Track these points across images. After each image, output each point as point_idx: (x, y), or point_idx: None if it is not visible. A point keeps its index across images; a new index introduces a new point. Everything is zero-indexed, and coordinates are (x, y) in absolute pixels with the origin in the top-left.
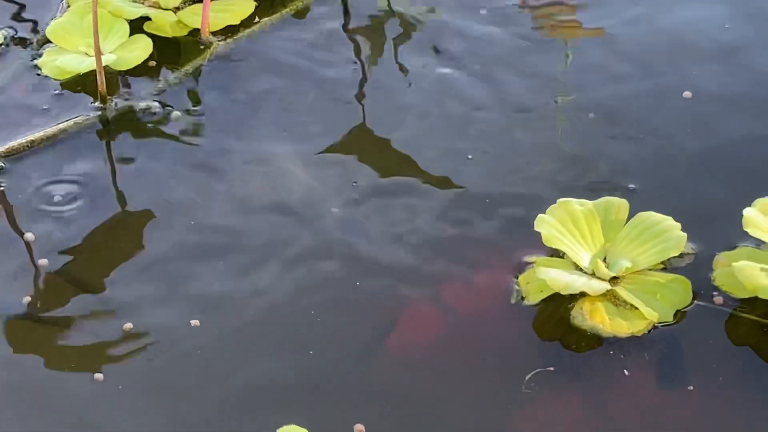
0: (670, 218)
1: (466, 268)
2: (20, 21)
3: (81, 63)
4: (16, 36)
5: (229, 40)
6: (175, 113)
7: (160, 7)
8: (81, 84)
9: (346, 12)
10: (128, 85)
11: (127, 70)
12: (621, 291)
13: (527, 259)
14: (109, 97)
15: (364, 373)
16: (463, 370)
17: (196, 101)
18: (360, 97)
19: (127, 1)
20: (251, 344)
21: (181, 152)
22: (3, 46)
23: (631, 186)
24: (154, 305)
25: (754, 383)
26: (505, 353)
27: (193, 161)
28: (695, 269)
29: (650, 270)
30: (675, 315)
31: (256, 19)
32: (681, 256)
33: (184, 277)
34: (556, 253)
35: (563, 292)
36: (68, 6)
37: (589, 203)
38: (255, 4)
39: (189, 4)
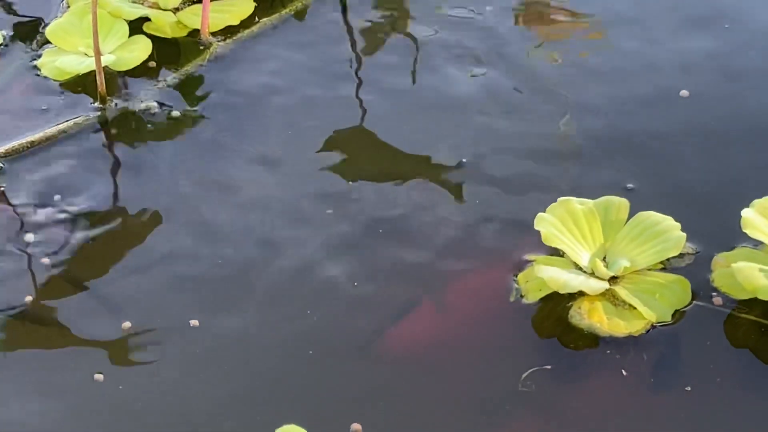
0: (670, 218)
1: (466, 267)
2: (20, 22)
3: (80, 64)
4: (15, 37)
5: (228, 41)
6: (175, 113)
7: (160, 8)
8: (81, 84)
9: (346, 12)
10: (128, 86)
11: (127, 71)
12: (620, 290)
13: (527, 257)
14: (108, 97)
15: (363, 372)
16: (460, 369)
17: (196, 102)
18: (360, 96)
19: (126, 1)
20: (250, 344)
21: (181, 152)
22: (2, 47)
23: (630, 186)
24: (154, 305)
25: (752, 384)
26: (502, 352)
27: (192, 161)
28: (695, 269)
29: (650, 270)
30: (673, 315)
31: (256, 19)
32: (681, 256)
33: (184, 277)
34: (557, 252)
35: (561, 291)
36: (68, 7)
37: (590, 202)
38: (254, 4)
39: (188, 5)
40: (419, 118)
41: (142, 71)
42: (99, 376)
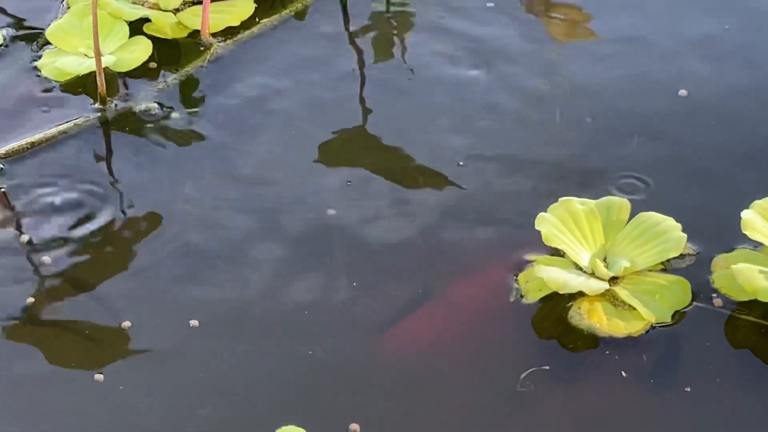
0: (671, 219)
1: (465, 266)
2: (20, 22)
3: (81, 64)
4: (15, 37)
5: (228, 42)
6: (175, 114)
7: (160, 9)
8: (81, 85)
9: (346, 12)
10: (128, 87)
11: (127, 72)
12: (620, 291)
13: (528, 257)
14: (108, 98)
15: (363, 373)
16: (459, 369)
17: (196, 102)
18: (361, 97)
19: (126, 2)
20: (250, 345)
21: (181, 153)
22: (3, 47)
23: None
24: (154, 306)
25: (752, 385)
26: (502, 352)
27: (192, 162)
28: (696, 270)
29: (650, 270)
30: (673, 316)
31: (256, 20)
32: (682, 257)
33: (184, 278)
34: (558, 253)
35: (561, 291)
36: (68, 7)
37: (591, 202)
38: (255, 5)
39: (189, 6)
40: (420, 118)
41: (142, 72)
42: (99, 377)
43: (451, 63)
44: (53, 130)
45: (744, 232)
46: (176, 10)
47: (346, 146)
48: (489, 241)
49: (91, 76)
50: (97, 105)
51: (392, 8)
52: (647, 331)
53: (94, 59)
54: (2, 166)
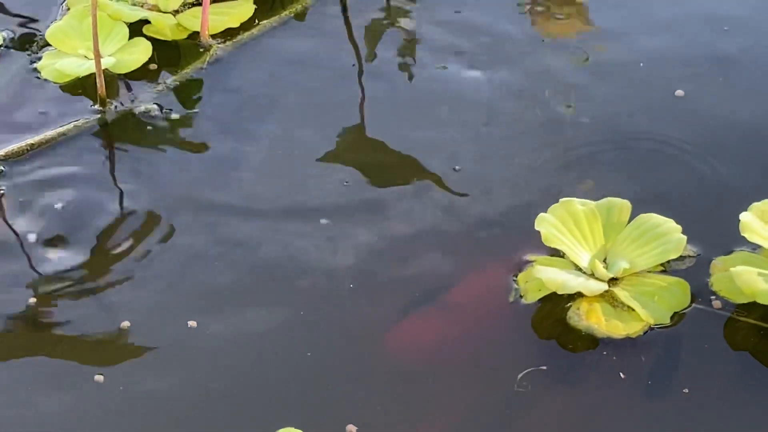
0: (672, 221)
1: (465, 266)
2: (19, 24)
3: (80, 66)
4: (15, 39)
5: (228, 43)
6: (175, 116)
7: (160, 11)
8: (80, 87)
9: (345, 13)
10: (128, 88)
11: (127, 73)
12: (619, 292)
13: (527, 258)
14: (108, 100)
15: (361, 374)
16: (458, 369)
17: (196, 104)
18: (360, 97)
19: (126, 4)
20: (247, 346)
21: (181, 155)
22: (2, 49)
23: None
24: (153, 306)
25: (750, 386)
26: (500, 352)
27: (192, 163)
28: (695, 272)
29: (650, 272)
30: (672, 318)
31: (256, 21)
32: (682, 258)
33: (182, 278)
34: (558, 253)
35: (559, 292)
36: (68, 9)
37: (592, 203)
38: (254, 6)
39: (188, 7)
40: (420, 118)
41: (141, 74)
42: (99, 377)
43: (453, 62)
44: (53, 132)
45: (742, 234)
46: (176, 12)
47: (345, 147)
48: (488, 241)
49: (91, 77)
50: (96, 107)
51: (392, 8)
52: (645, 333)
53: (93, 61)
54: (2, 168)
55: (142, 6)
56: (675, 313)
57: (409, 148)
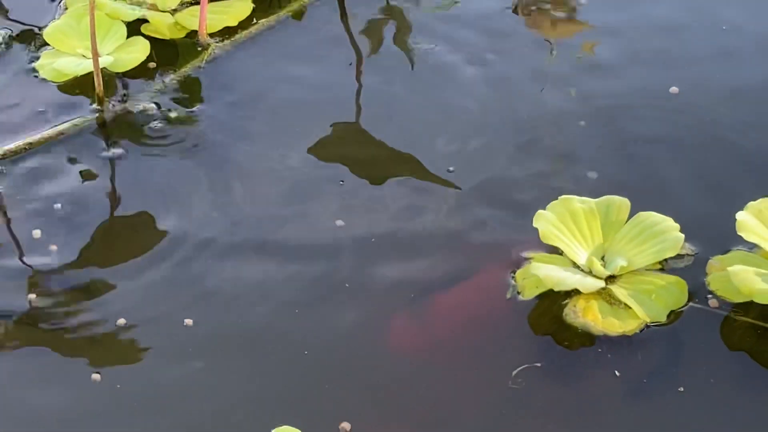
0: (670, 219)
1: (463, 264)
2: (18, 24)
3: (78, 65)
4: (13, 38)
5: (226, 42)
6: (173, 115)
7: (158, 9)
8: (78, 86)
9: (343, 13)
10: (126, 87)
11: (125, 72)
12: (616, 290)
13: (525, 254)
14: (106, 99)
15: (359, 372)
16: (454, 366)
17: (194, 103)
18: (358, 96)
19: (124, 3)
20: (245, 345)
21: (179, 154)
22: (1, 48)
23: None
24: (150, 305)
25: (747, 386)
26: (497, 349)
27: (190, 162)
28: (694, 271)
29: (648, 270)
30: (668, 316)
31: (254, 20)
32: (680, 257)
33: (179, 277)
34: (557, 251)
35: (556, 289)
36: (66, 9)
37: (591, 201)
38: (252, 5)
39: (186, 6)
40: (419, 118)
41: (140, 73)
42: (96, 376)
43: (451, 61)
44: (51, 131)
45: (739, 233)
46: (174, 11)
47: (342, 146)
48: (486, 238)
49: (89, 76)
50: (95, 106)
51: (391, 8)
52: (642, 331)
53: (91, 60)
54: (1, 167)
55: (140, 5)
56: (672, 311)
57: (407, 145)
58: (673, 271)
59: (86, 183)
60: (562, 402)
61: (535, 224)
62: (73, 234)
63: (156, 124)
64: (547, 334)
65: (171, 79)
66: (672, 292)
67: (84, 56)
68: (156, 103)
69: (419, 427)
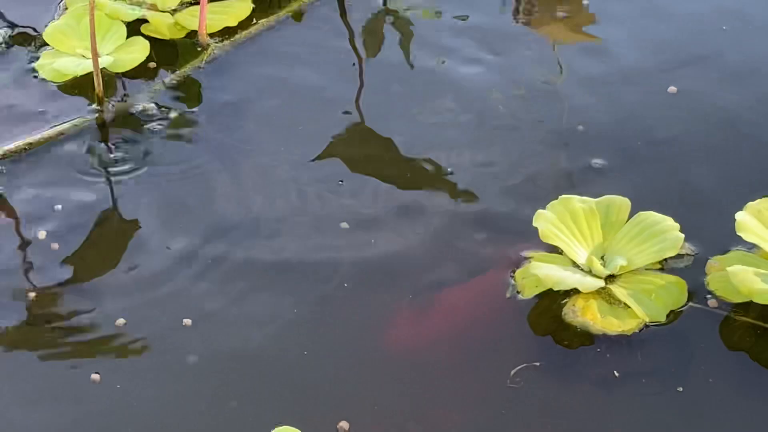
0: (670, 219)
1: (463, 264)
2: (18, 24)
3: (78, 65)
4: (13, 39)
5: (226, 42)
6: (173, 115)
7: (158, 10)
8: (78, 86)
9: (343, 13)
10: (126, 88)
11: (125, 73)
12: (616, 289)
13: (525, 254)
14: (106, 99)
15: (358, 371)
16: (453, 365)
17: (194, 103)
18: (358, 97)
19: (124, 3)
20: (244, 345)
21: (179, 154)
22: (1, 48)
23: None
24: (150, 306)
25: (745, 385)
26: (496, 348)
27: (190, 163)
28: (694, 271)
29: (647, 269)
30: (668, 316)
31: (254, 20)
32: (680, 257)
33: (178, 277)
34: (557, 250)
35: (555, 288)
36: (65, 9)
37: (592, 201)
38: (252, 6)
39: (186, 7)
40: (419, 118)
41: (139, 73)
42: (96, 377)
43: (451, 61)
44: (51, 131)
45: (738, 233)
46: (173, 11)
47: (342, 145)
48: (486, 238)
49: (89, 77)
50: (94, 106)
51: (389, 7)
52: (641, 330)
53: (91, 60)
54: (1, 168)
55: (140, 5)
56: (671, 311)
57: (407, 146)
58: (673, 271)
59: (86, 183)
60: (560, 401)
61: (534, 224)
62: (73, 234)
63: (156, 125)
64: (546, 333)
65: (171, 79)
66: (671, 291)
67: (84, 56)
68: (156, 104)
69: (418, 427)
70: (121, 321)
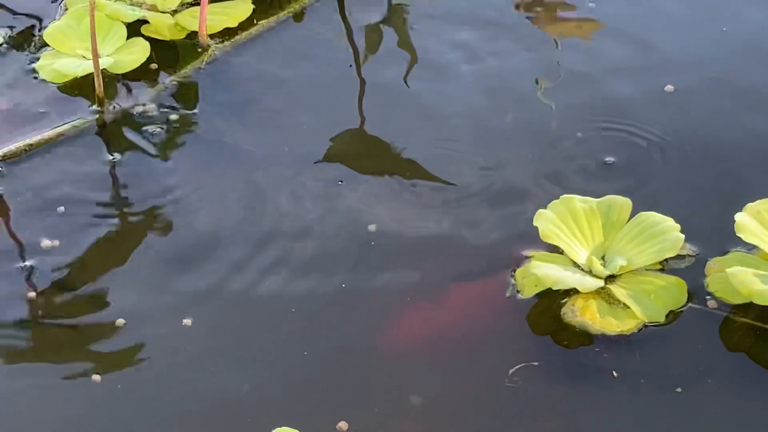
0: (671, 219)
1: (463, 263)
2: (18, 25)
3: (78, 66)
4: (13, 39)
5: (226, 43)
6: (173, 116)
7: (158, 11)
8: (78, 87)
9: (343, 13)
10: (126, 88)
11: (125, 74)
12: (615, 289)
13: (526, 253)
14: (106, 100)
15: (358, 371)
16: (451, 365)
17: (194, 104)
18: (359, 98)
19: (124, 4)
20: (243, 344)
21: (179, 154)
22: (1, 49)
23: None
24: (149, 306)
25: (744, 386)
26: (495, 348)
27: (190, 163)
28: (694, 271)
29: (648, 270)
30: (667, 316)
31: (254, 21)
32: (681, 257)
33: (178, 277)
34: (557, 250)
35: (554, 288)
36: (66, 9)
37: (593, 201)
38: (252, 6)
39: (186, 7)
40: (419, 118)
41: (140, 74)
42: (96, 377)
43: (451, 60)
44: (51, 132)
45: (738, 234)
46: (174, 12)
47: (342, 145)
48: (487, 237)
49: (89, 78)
50: (95, 107)
51: (390, 7)
52: (640, 330)
53: (91, 61)
54: (1, 169)
55: (140, 6)
56: (671, 311)
57: (407, 145)
58: (673, 272)
59: (86, 184)
60: (559, 401)
61: (535, 223)
62: (74, 235)
63: (156, 126)
64: (545, 333)
65: (171, 80)
66: (671, 292)
67: (84, 57)
68: (156, 104)
69: (417, 427)
70: (121, 321)
